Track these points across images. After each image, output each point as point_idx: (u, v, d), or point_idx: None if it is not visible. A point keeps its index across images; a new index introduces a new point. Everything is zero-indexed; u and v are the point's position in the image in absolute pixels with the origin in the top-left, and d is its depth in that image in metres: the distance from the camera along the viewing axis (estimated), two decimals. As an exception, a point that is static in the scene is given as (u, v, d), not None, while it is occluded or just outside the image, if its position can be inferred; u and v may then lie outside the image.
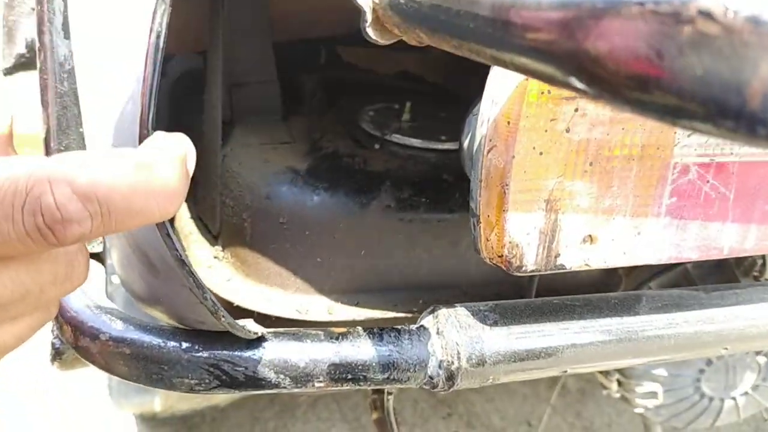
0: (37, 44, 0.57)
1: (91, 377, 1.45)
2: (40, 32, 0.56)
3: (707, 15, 0.22)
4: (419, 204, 0.75)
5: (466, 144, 0.57)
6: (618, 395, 1.14)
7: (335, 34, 1.10)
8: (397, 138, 0.82)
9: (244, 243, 0.74)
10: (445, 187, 0.77)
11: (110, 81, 0.43)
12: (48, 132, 0.58)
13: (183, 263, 0.42)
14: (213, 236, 0.81)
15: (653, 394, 1.09)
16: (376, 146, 0.82)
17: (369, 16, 0.40)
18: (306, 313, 0.71)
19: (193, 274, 0.42)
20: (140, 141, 0.38)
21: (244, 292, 0.73)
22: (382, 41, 0.42)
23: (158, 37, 0.36)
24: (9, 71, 0.83)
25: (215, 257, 0.78)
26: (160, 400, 1.24)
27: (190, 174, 0.38)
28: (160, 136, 0.38)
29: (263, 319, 0.72)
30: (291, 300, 0.72)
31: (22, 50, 0.81)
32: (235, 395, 1.23)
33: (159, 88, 0.39)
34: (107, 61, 0.44)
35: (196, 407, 1.52)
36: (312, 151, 0.80)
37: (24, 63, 0.81)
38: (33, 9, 0.81)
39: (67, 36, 0.55)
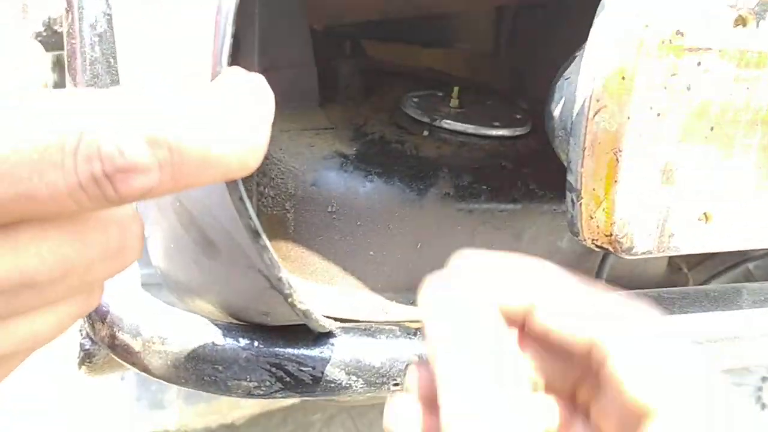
0: (65, 4, 0.50)
1: (96, 393, 1.38)
2: (68, -11, 0.49)
3: None
4: (480, 192, 0.67)
5: (557, 112, 0.50)
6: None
7: (363, 25, 1.05)
8: (447, 123, 0.75)
9: (287, 236, 0.67)
10: (506, 175, 0.70)
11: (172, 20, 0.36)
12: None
13: (258, 235, 0.34)
14: (248, 231, 0.73)
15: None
16: (425, 133, 0.76)
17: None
18: (358, 312, 0.63)
19: (268, 249, 0.35)
20: (213, 78, 0.31)
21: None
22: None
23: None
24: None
25: (252, 254, 0.70)
26: (174, 418, 1.16)
27: (270, 123, 0.31)
28: (238, 72, 0.31)
29: (309, 320, 0.65)
30: (341, 298, 0.65)
31: (39, 28, 0.74)
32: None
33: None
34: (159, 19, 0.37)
35: (210, 425, 1.44)
36: (357, 137, 0.72)
37: (41, 42, 0.74)
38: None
39: (99, -8, 0.49)
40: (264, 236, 0.35)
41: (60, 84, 1.17)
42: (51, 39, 0.75)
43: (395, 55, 1.20)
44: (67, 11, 0.50)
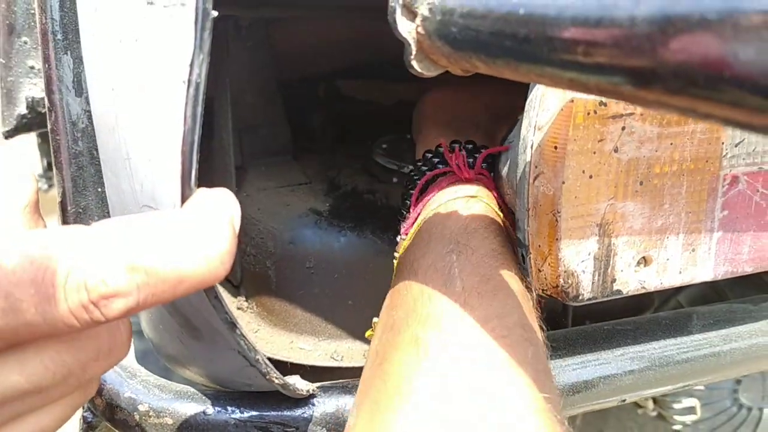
0: (47, 104, 0.54)
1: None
2: (50, 92, 0.53)
3: None
4: (448, 236, 0.72)
5: (504, 172, 0.54)
6: (654, 413, 1.11)
7: (336, 68, 1.09)
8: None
9: (270, 291, 0.71)
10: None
11: (139, 137, 0.40)
12: (64, 194, 0.55)
13: (234, 326, 0.39)
14: (234, 286, 0.77)
15: (691, 410, 1.06)
16: (395, 180, 0.80)
17: (413, 49, 0.38)
18: (342, 360, 0.68)
19: (244, 337, 0.39)
20: (183, 200, 0.35)
21: (274, 343, 0.70)
22: (427, 74, 0.40)
23: (197, 89, 0.34)
24: (10, 133, 0.81)
25: (239, 308, 0.75)
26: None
27: (237, 231, 0.35)
28: (203, 193, 0.35)
29: (297, 369, 0.69)
30: (324, 347, 0.69)
31: (23, 111, 0.78)
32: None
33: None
34: (134, 117, 0.41)
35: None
36: (331, 191, 0.77)
37: (26, 124, 0.78)
38: (31, 68, 0.79)
39: (78, 93, 0.53)
40: (239, 326, 0.39)
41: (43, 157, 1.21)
42: (36, 119, 0.79)
43: (369, 92, 1.24)
44: (50, 110, 0.54)
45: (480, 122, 0.67)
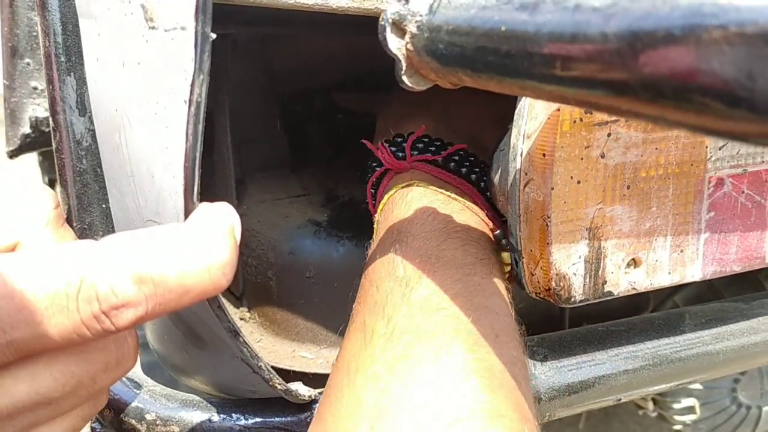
0: (52, 124, 0.56)
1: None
2: (54, 112, 0.55)
3: (801, 32, 0.21)
4: (445, 243, 0.73)
5: (496, 180, 0.56)
6: (654, 414, 1.12)
7: (332, 82, 1.11)
8: (411, 179, 0.82)
9: (271, 301, 0.73)
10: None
11: (143, 155, 0.42)
12: (69, 211, 0.57)
13: (237, 335, 0.40)
14: (236, 297, 0.79)
15: (691, 409, 1.08)
16: (392, 189, 0.82)
17: (403, 64, 0.40)
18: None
19: (247, 344, 0.41)
20: (186, 214, 0.37)
21: (276, 352, 0.72)
22: (417, 87, 0.41)
23: (198, 108, 0.36)
24: (14, 153, 0.82)
25: (242, 319, 0.76)
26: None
27: (238, 243, 0.37)
28: (205, 208, 0.37)
29: (299, 377, 0.71)
30: (326, 354, 0.71)
31: (27, 130, 0.80)
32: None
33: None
34: (137, 136, 0.43)
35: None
36: (329, 201, 0.79)
37: (30, 143, 0.80)
38: (34, 89, 0.81)
39: (82, 113, 0.55)
40: (242, 334, 0.40)
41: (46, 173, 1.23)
42: (39, 138, 0.81)
43: (365, 104, 1.26)
44: (55, 130, 0.56)
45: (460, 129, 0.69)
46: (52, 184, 1.28)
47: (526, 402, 0.41)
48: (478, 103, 0.69)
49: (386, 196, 0.58)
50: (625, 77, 0.26)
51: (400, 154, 0.60)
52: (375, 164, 0.64)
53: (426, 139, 0.62)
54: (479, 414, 0.37)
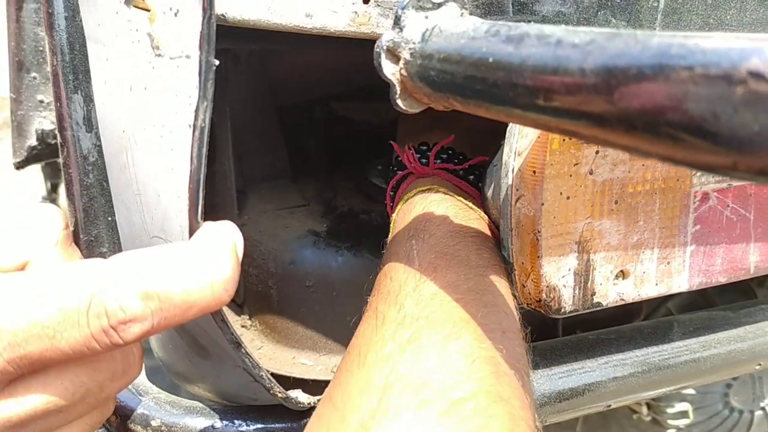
0: (60, 140, 0.58)
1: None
2: (62, 128, 0.57)
3: (758, 76, 0.23)
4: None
5: (489, 194, 0.58)
6: (648, 418, 1.14)
7: (331, 93, 1.13)
8: (408, 190, 0.84)
9: (272, 310, 0.75)
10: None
11: (149, 175, 0.44)
12: (76, 224, 0.59)
13: (239, 345, 0.42)
14: (238, 306, 0.81)
15: (684, 414, 1.09)
16: (389, 200, 0.84)
17: (398, 89, 0.42)
18: (342, 374, 0.71)
19: (249, 355, 0.43)
20: (191, 233, 0.39)
21: (277, 359, 0.73)
22: (411, 110, 0.43)
23: (202, 133, 0.38)
24: (21, 164, 0.84)
25: (243, 326, 0.78)
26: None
27: (240, 260, 0.39)
28: (209, 226, 0.39)
29: (299, 383, 0.72)
30: (325, 361, 0.73)
31: (34, 143, 0.82)
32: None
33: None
34: (144, 157, 0.45)
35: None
36: (328, 212, 0.81)
37: (36, 155, 0.82)
38: (41, 102, 0.83)
39: (89, 129, 0.56)
40: (244, 345, 0.42)
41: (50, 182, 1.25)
42: (45, 150, 0.83)
43: (364, 114, 1.28)
44: (63, 146, 0.58)
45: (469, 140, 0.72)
46: (54, 188, 1.30)
47: (527, 394, 0.43)
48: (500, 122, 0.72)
49: (405, 197, 0.60)
50: (602, 110, 0.28)
51: (424, 161, 0.63)
52: (396, 168, 0.67)
53: (450, 151, 0.64)
54: (482, 396, 0.38)
